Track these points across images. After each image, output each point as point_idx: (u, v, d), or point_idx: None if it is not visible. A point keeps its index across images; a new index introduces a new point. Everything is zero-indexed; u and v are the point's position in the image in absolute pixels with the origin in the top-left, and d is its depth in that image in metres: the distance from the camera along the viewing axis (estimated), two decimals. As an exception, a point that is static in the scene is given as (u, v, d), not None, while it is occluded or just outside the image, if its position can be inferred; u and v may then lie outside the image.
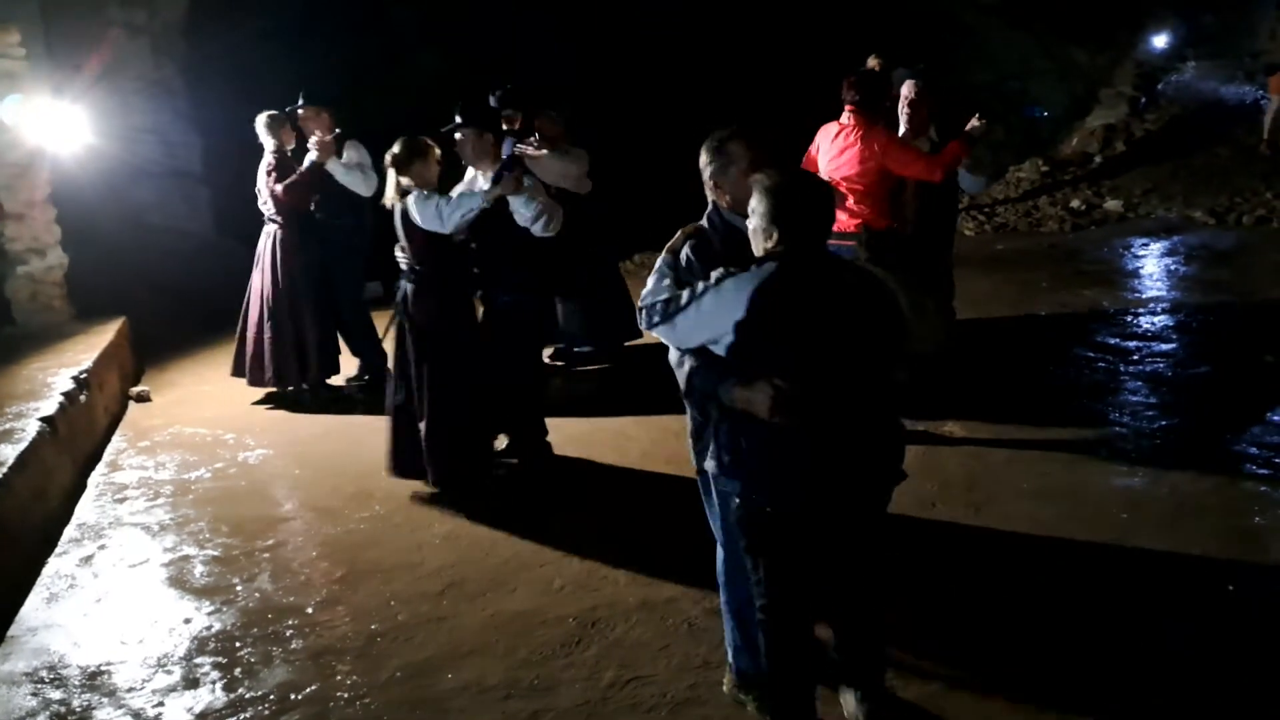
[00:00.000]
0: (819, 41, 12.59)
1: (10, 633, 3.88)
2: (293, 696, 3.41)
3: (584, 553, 4.31)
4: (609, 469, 5.26)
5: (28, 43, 7.09)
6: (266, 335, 6.33)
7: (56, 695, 3.46)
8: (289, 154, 6.34)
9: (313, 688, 3.46)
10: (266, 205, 6.33)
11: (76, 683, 3.54)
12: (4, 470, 4.34)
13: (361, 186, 6.22)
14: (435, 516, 4.76)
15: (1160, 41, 14.24)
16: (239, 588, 4.18)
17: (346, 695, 3.41)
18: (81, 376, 5.72)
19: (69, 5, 9.57)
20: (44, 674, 3.60)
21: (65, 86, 7.74)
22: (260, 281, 6.37)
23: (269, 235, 6.36)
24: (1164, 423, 5.38)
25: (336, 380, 6.65)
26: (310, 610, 3.97)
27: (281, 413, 6.40)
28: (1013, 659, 3.38)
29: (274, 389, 6.54)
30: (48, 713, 3.37)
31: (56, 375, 5.72)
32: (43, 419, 4.99)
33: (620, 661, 3.48)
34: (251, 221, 6.98)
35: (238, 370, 6.48)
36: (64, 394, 5.38)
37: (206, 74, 10.93)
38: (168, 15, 10.51)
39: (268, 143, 6.28)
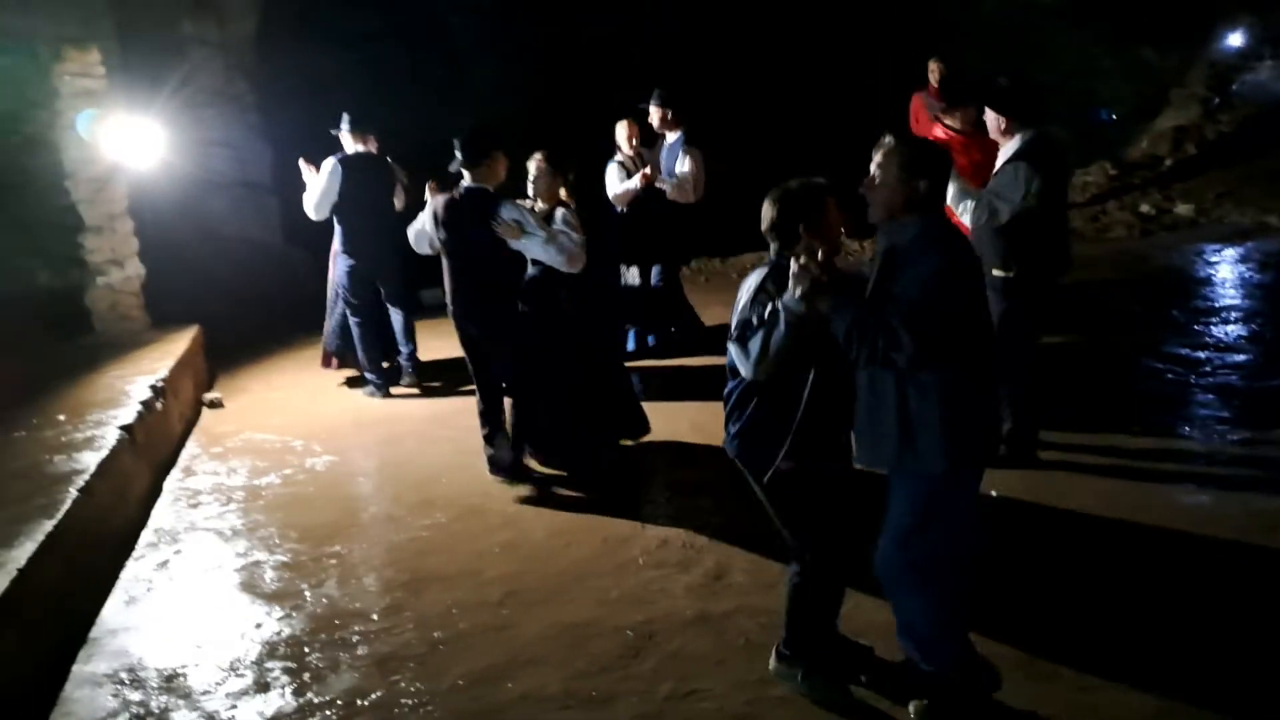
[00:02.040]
0: (868, 42, 12.50)
1: (92, 634, 4.05)
2: (359, 702, 3.51)
3: (641, 564, 4.36)
4: (664, 475, 5.31)
5: (105, 60, 7.36)
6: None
7: (135, 696, 3.61)
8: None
9: (377, 694, 3.55)
10: None
11: (154, 684, 3.68)
12: (86, 477, 4.52)
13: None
14: (495, 525, 4.85)
15: (1235, 40, 13.84)
16: (307, 593, 4.31)
17: (410, 702, 3.50)
18: (158, 384, 5.92)
19: (143, 22, 9.89)
20: (124, 675, 3.75)
21: (141, 102, 8.00)
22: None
23: None
24: (1235, 437, 5.26)
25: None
26: (375, 616, 4.08)
27: (345, 420, 6.55)
28: (1068, 670, 3.35)
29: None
30: (128, 713, 3.51)
31: (134, 383, 5.92)
32: (122, 427, 5.18)
33: (677, 675, 3.52)
34: (319, 231, 7.19)
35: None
36: (142, 402, 5.58)
37: (275, 87, 11.22)
38: (238, 30, 10.80)
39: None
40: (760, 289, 3.08)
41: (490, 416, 5.24)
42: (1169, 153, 12.44)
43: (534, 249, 4.96)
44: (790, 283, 2.90)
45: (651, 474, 5.37)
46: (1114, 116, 13.45)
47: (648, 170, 6.85)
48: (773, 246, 3.15)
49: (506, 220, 4.87)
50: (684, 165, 6.97)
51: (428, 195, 5.29)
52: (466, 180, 5.00)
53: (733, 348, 3.05)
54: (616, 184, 6.94)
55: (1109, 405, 5.81)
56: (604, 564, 4.39)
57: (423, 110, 10.61)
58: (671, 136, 7.12)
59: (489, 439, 5.27)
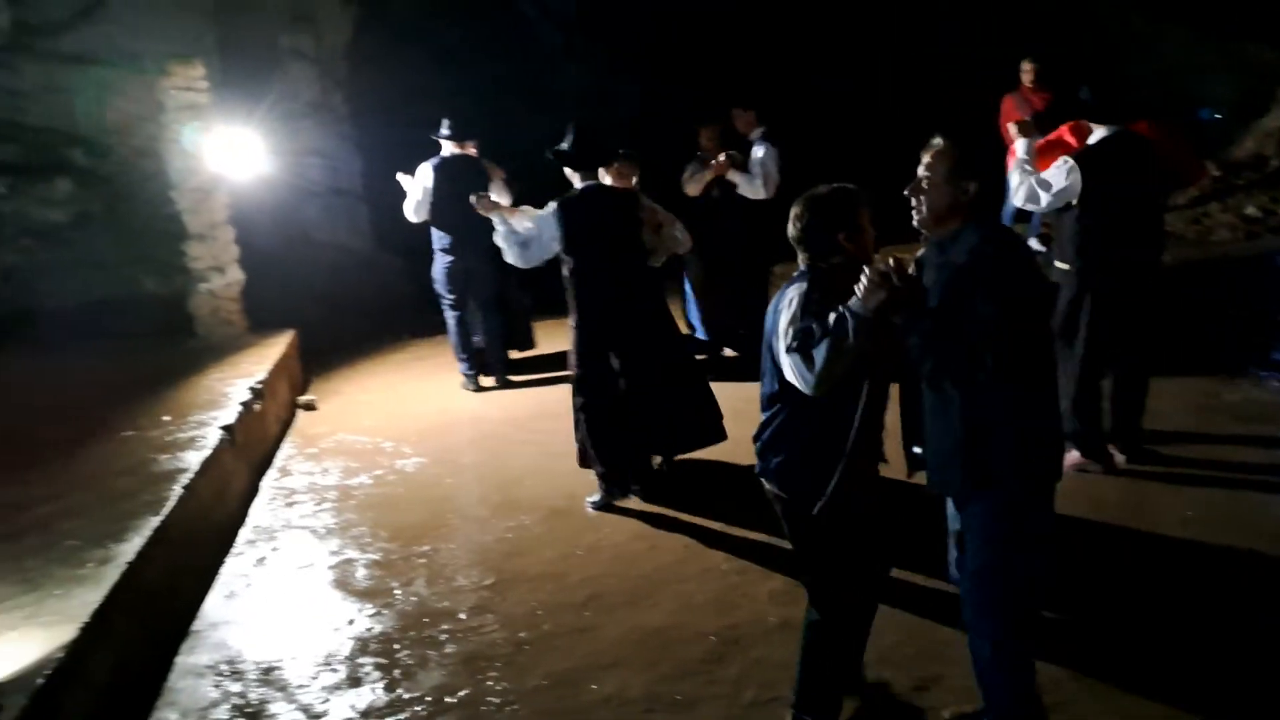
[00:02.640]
0: (958, 42, 12.25)
1: (194, 627, 4.21)
2: (447, 700, 3.58)
3: (724, 569, 4.36)
4: (745, 482, 5.29)
5: (208, 74, 7.65)
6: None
7: (235, 688, 3.74)
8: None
9: (465, 692, 3.62)
10: None
11: (252, 677, 3.81)
12: (190, 475, 4.71)
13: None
14: (578, 528, 4.90)
15: (1347, 33, 13.19)
16: (397, 591, 4.41)
17: (497, 701, 3.55)
18: (256, 387, 6.13)
19: (243, 37, 10.26)
20: (223, 667, 3.90)
21: (241, 114, 8.30)
22: None
23: None
24: (1347, 448, 5.03)
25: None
26: (462, 616, 4.16)
27: (434, 422, 6.69)
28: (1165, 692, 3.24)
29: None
30: (228, 705, 3.65)
31: (234, 385, 6.15)
32: (223, 427, 5.38)
33: (761, 681, 3.51)
34: (408, 237, 7.38)
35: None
36: (241, 403, 5.78)
37: (367, 96, 11.52)
38: (333, 43, 11.13)
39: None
40: (807, 299, 2.86)
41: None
42: (1276, 152, 11.93)
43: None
44: (861, 291, 2.67)
45: (731, 480, 5.36)
46: (1217, 115, 12.94)
47: (723, 156, 6.85)
48: (801, 256, 2.97)
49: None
50: (758, 152, 6.95)
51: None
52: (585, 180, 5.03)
53: (791, 360, 2.78)
54: (690, 176, 7.00)
55: (1213, 415, 5.60)
56: (687, 568, 4.40)
57: (510, 117, 10.76)
58: (754, 136, 7.14)
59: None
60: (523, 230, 5.07)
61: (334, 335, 8.55)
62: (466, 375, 7.29)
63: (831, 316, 2.71)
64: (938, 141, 2.86)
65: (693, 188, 7.06)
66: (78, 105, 9.59)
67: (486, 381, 7.32)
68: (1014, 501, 2.82)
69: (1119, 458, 5.03)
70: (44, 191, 8.95)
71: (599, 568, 4.48)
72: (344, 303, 9.49)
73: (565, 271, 5.04)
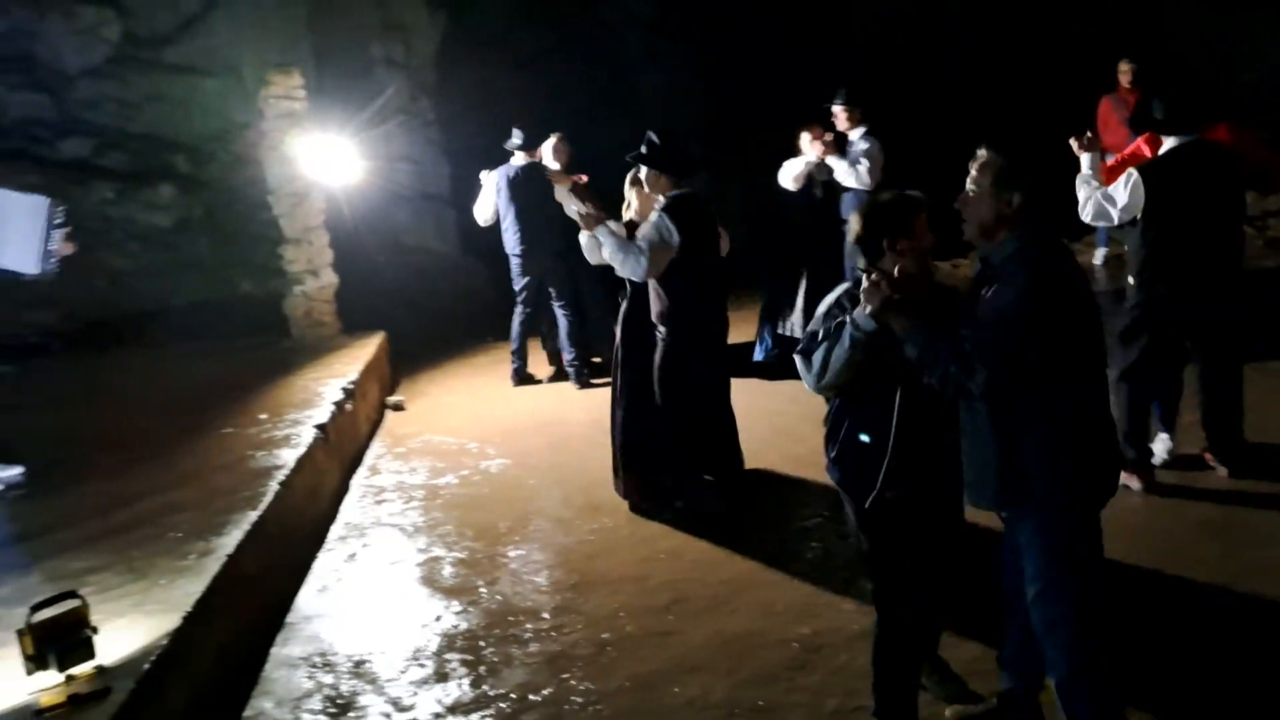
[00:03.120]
0: (1056, 44, 11.95)
1: (288, 619, 4.35)
2: (531, 698, 3.63)
3: (806, 576, 4.33)
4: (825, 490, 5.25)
5: (304, 83, 7.90)
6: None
7: (327, 679, 3.86)
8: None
9: (548, 691, 3.67)
10: None
11: (344, 669, 3.93)
12: (285, 472, 4.87)
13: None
14: (660, 532, 4.92)
15: None
16: (482, 590, 4.49)
17: (580, 701, 3.59)
18: (348, 387, 6.31)
19: (337, 46, 10.56)
20: (316, 659, 4.02)
21: (335, 121, 8.54)
22: None
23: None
24: None
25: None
26: (546, 616, 4.21)
27: (518, 424, 6.79)
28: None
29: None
30: (320, 695, 3.76)
31: (327, 385, 6.33)
32: (317, 426, 5.55)
33: (844, 689, 3.48)
34: (494, 240, 7.51)
35: None
36: (334, 403, 5.96)
37: (453, 102, 11.74)
38: (422, 50, 11.38)
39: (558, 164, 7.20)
40: (835, 303, 2.99)
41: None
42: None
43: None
44: (862, 298, 2.78)
45: (813, 488, 5.32)
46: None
47: (824, 141, 6.84)
48: (860, 260, 3.01)
49: None
50: (861, 144, 6.93)
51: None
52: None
53: (798, 360, 2.98)
54: (789, 170, 6.99)
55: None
56: (769, 575, 4.39)
57: (593, 121, 10.86)
58: (855, 134, 7.08)
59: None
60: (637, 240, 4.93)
61: (421, 338, 8.73)
62: (512, 369, 7.54)
63: (837, 323, 2.85)
64: (982, 153, 2.83)
65: (791, 180, 7.03)
66: (180, 114, 9.99)
67: (541, 374, 7.62)
68: (1056, 518, 2.77)
69: (1220, 471, 4.85)
70: (149, 197, 9.35)
71: (681, 572, 4.49)
72: (431, 306, 9.69)
73: (661, 278, 4.84)
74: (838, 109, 7.10)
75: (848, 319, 2.85)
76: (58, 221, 4.97)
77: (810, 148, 6.96)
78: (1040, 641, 2.87)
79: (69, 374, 7.16)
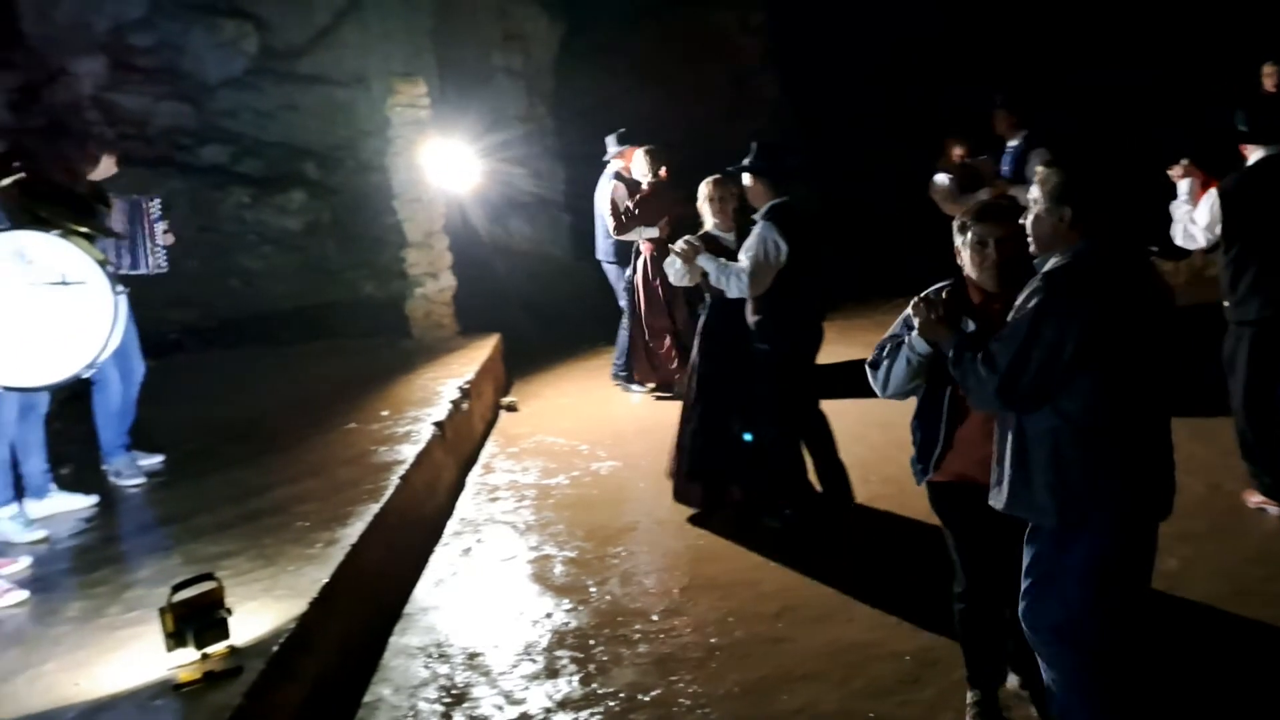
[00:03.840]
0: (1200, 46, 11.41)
1: (406, 610, 4.48)
2: (639, 698, 3.66)
3: (924, 588, 4.22)
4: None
5: (428, 91, 8.14)
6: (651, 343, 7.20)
7: (443, 670, 3.96)
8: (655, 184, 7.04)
9: (657, 692, 3.69)
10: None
11: (458, 661, 4.02)
12: (405, 467, 5.02)
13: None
14: (771, 539, 4.89)
15: None
16: (592, 589, 4.54)
17: (688, 703, 3.60)
18: (465, 387, 6.47)
19: (459, 55, 10.86)
20: (432, 650, 4.13)
21: (456, 128, 8.78)
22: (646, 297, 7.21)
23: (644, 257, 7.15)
24: None
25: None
26: (655, 617, 4.23)
27: (628, 427, 6.85)
28: None
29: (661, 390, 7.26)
30: (436, 685, 3.86)
31: (445, 385, 6.50)
32: (435, 423, 5.70)
33: (958, 707, 3.39)
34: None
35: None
36: (451, 402, 6.12)
37: (570, 109, 11.94)
38: (541, 58, 11.61)
39: (645, 174, 7.07)
40: (903, 319, 3.11)
41: None
42: None
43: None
44: (912, 319, 2.97)
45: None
46: None
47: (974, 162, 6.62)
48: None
49: None
50: (1035, 164, 6.57)
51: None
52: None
53: (868, 371, 3.18)
54: (946, 194, 6.75)
55: None
56: (883, 586, 4.31)
57: (708, 126, 10.89)
58: (1014, 141, 6.72)
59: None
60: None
61: (535, 340, 8.88)
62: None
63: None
64: (1039, 168, 2.83)
65: (952, 206, 6.44)
66: (311, 122, 10.42)
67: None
68: (1050, 545, 2.75)
69: None
70: (281, 202, 9.78)
71: (792, 580, 4.45)
72: (545, 309, 9.86)
73: (759, 289, 4.79)
74: (998, 112, 6.75)
75: (906, 339, 3.04)
76: (154, 215, 5.16)
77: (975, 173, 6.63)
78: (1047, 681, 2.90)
79: (205, 369, 7.54)
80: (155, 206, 5.18)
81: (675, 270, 5.10)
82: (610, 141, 7.35)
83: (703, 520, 5.16)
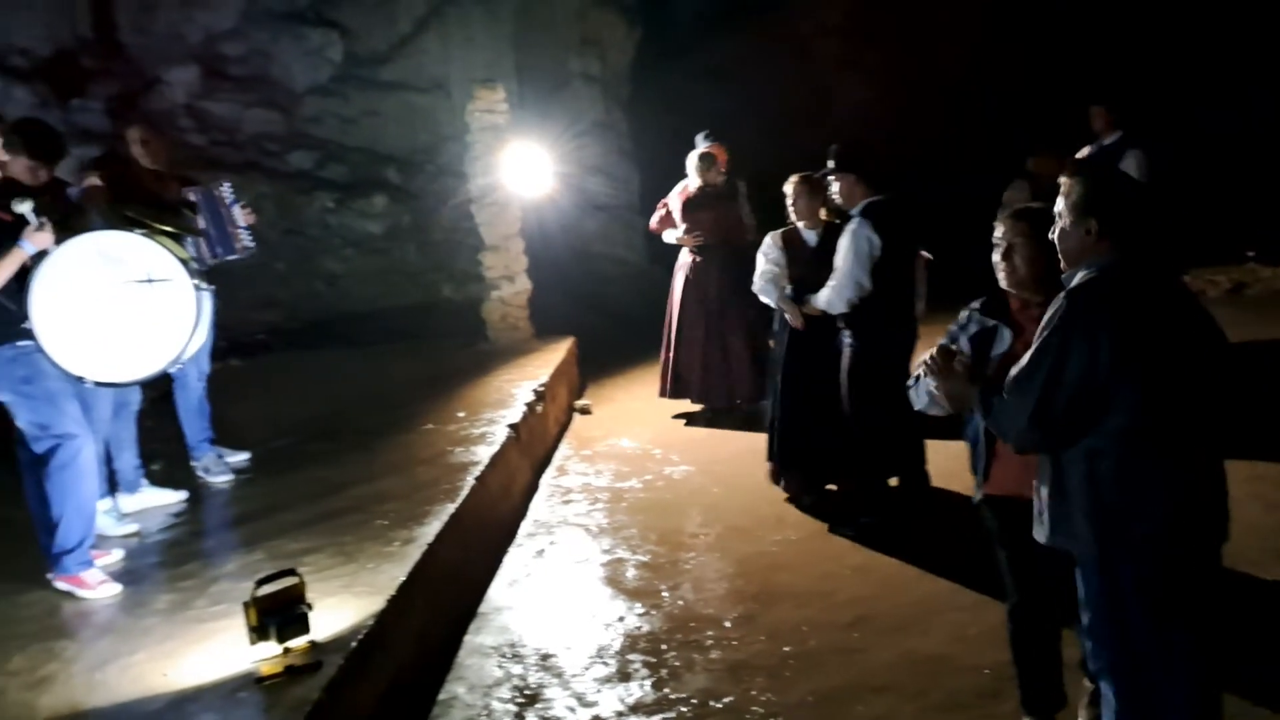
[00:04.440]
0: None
1: (480, 610, 4.52)
2: (712, 704, 3.63)
3: (1001, 602, 4.12)
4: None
5: (507, 97, 8.23)
6: (695, 355, 6.87)
7: (516, 670, 3.99)
8: (702, 190, 6.85)
9: (729, 698, 3.66)
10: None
11: (531, 661, 4.05)
12: (481, 468, 5.08)
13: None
14: (847, 548, 4.83)
15: None
16: (665, 594, 4.53)
17: (760, 711, 3.57)
18: (539, 389, 6.52)
19: (537, 61, 10.98)
20: (506, 650, 4.16)
21: (533, 133, 8.87)
22: (680, 304, 6.95)
23: (685, 263, 6.92)
24: None
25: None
26: (728, 624, 4.20)
27: (701, 432, 6.82)
28: None
29: (698, 405, 7.03)
30: (509, 685, 3.89)
31: (520, 387, 6.56)
32: (510, 425, 5.76)
33: (1041, 723, 3.30)
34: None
35: (670, 392, 7.01)
36: (526, 404, 6.17)
37: (645, 113, 11.97)
38: (617, 63, 11.67)
39: (692, 179, 6.82)
40: (950, 334, 3.09)
41: None
42: None
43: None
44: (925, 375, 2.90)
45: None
46: None
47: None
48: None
49: None
50: (1128, 165, 6.12)
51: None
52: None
53: (909, 391, 3.13)
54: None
55: None
56: (961, 598, 4.22)
57: (787, 132, 10.83)
58: (1108, 139, 6.49)
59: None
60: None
61: (609, 344, 8.92)
62: None
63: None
64: (1063, 179, 2.65)
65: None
66: (393, 128, 10.65)
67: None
68: (1093, 575, 2.61)
69: None
70: (364, 206, 10.01)
71: (867, 589, 4.39)
72: (618, 313, 9.90)
73: (857, 291, 4.69)
74: (1096, 109, 6.52)
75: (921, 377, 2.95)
76: (229, 200, 5.27)
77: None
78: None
79: (290, 369, 7.74)
80: (227, 190, 5.27)
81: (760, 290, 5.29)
82: (699, 139, 7.28)
83: (779, 525, 5.12)
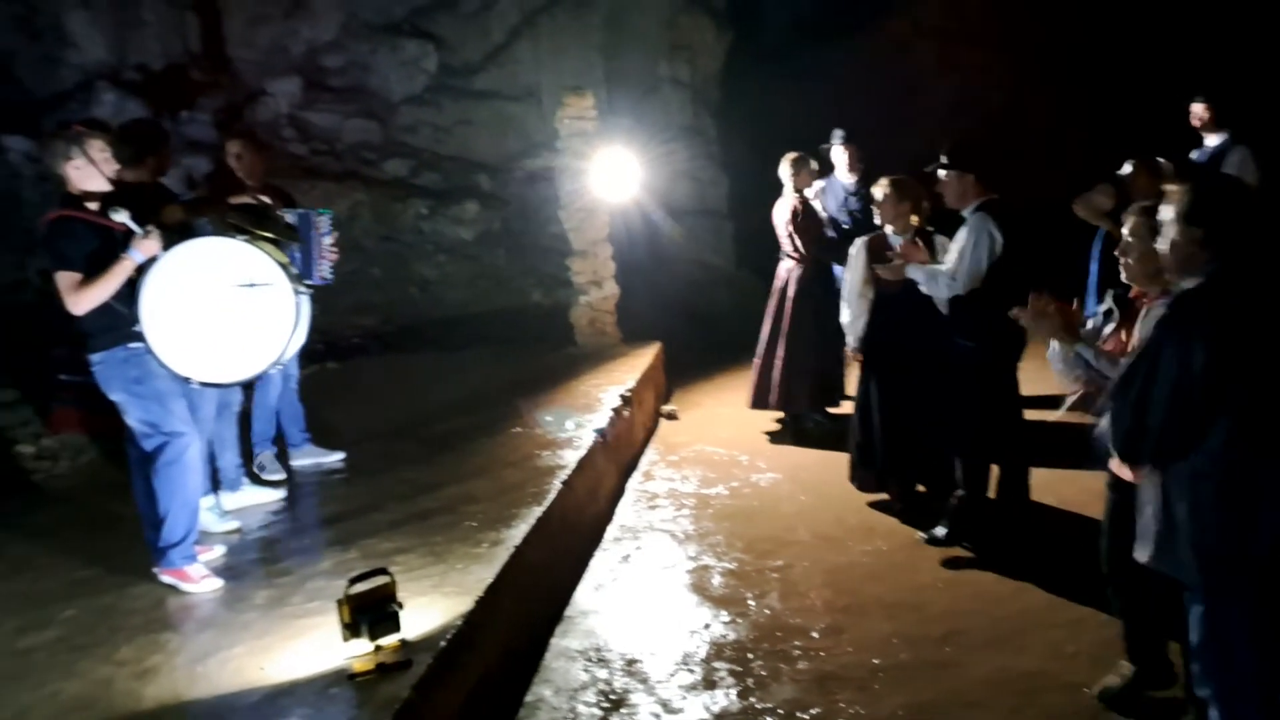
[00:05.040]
0: None
1: (566, 613, 4.54)
2: (799, 715, 3.58)
3: (1101, 621, 3.97)
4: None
5: (596, 103, 8.28)
6: (778, 363, 6.75)
7: (602, 674, 4.00)
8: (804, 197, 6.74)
9: (816, 710, 3.61)
10: (784, 242, 6.77)
11: (617, 666, 4.05)
12: (568, 472, 5.11)
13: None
14: (937, 561, 4.72)
15: None
16: (751, 602, 4.49)
17: (848, 724, 3.50)
18: (626, 394, 6.53)
19: (626, 67, 11.03)
20: (591, 654, 4.17)
21: (622, 138, 8.90)
22: (776, 312, 6.81)
23: (785, 270, 6.80)
24: None
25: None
26: (815, 635, 4.14)
27: (789, 439, 6.74)
28: None
29: (782, 414, 6.92)
30: (595, 689, 3.90)
31: (607, 392, 6.58)
32: (596, 429, 5.78)
33: (1144, 747, 3.17)
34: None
35: (755, 402, 6.92)
36: (613, 409, 6.18)
37: (735, 119, 11.92)
38: (706, 68, 11.65)
39: (788, 184, 6.71)
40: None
41: None
42: None
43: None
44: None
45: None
46: None
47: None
48: None
49: None
50: (1233, 165, 5.99)
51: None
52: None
53: None
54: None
55: None
56: (1058, 615, 4.08)
57: (880, 137, 10.65)
58: (1213, 140, 6.26)
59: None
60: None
61: (696, 349, 8.89)
62: None
63: None
64: (1171, 188, 2.63)
65: (1092, 215, 5.98)
66: (485, 136, 10.82)
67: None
68: (1203, 603, 2.53)
69: None
70: (456, 213, 10.19)
71: (960, 603, 4.27)
72: (705, 318, 9.86)
73: (973, 284, 4.59)
74: (1197, 106, 6.27)
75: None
76: (324, 230, 5.36)
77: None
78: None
79: (384, 372, 7.92)
80: (325, 222, 5.35)
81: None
82: (836, 135, 7.17)
83: (868, 535, 5.03)
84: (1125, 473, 2.92)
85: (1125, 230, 3.14)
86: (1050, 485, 5.17)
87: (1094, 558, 4.43)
